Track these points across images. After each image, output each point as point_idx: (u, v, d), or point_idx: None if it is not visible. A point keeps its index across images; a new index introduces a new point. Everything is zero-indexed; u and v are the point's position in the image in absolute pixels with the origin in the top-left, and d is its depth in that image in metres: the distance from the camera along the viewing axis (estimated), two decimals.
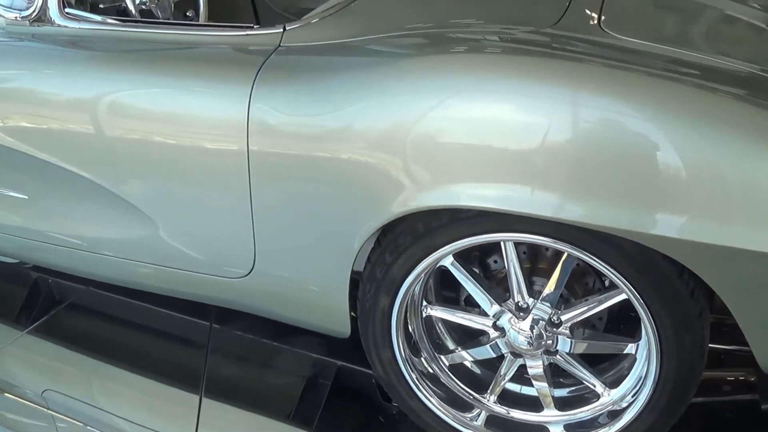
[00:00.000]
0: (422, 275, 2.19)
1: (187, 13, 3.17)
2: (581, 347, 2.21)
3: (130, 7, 2.88)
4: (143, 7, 2.96)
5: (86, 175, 2.50)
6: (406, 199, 2.00)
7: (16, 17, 2.73)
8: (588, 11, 2.25)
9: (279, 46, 2.26)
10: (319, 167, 2.10)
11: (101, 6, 2.90)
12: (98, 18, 2.64)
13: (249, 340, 2.85)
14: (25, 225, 2.79)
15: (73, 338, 2.99)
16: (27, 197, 2.73)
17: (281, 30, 2.29)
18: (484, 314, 2.24)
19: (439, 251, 2.11)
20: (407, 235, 2.11)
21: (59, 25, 2.64)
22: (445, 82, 1.95)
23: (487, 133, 1.89)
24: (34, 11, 2.67)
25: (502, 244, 2.08)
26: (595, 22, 2.19)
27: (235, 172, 2.21)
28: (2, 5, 2.81)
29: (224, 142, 2.22)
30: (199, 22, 2.64)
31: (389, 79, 2.02)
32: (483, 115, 1.90)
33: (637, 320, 2.06)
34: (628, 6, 2.39)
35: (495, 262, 2.33)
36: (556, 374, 2.33)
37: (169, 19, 2.99)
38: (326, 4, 2.43)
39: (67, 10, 2.64)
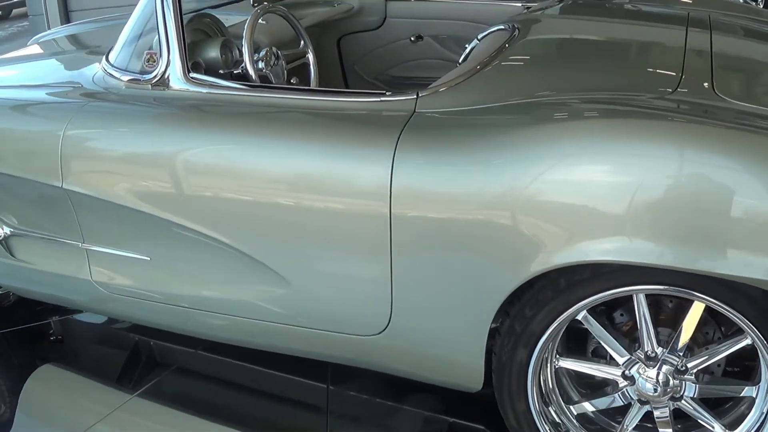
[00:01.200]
0: (558, 328, 2.32)
1: (292, 80, 3.29)
2: (704, 392, 2.34)
3: (251, 71, 2.92)
4: (261, 72, 3.04)
5: (216, 235, 2.59)
6: (547, 257, 2.14)
7: (137, 80, 2.84)
8: (701, 78, 2.45)
9: (414, 112, 2.39)
10: (462, 229, 2.23)
11: (221, 72, 2.99)
12: (226, 83, 2.74)
13: (364, 401, 2.93)
14: (145, 287, 2.87)
15: (185, 402, 3.00)
16: (149, 258, 2.81)
17: (414, 97, 2.43)
18: (614, 364, 2.37)
19: (578, 304, 2.26)
20: (548, 290, 2.25)
21: (183, 90, 2.75)
22: (581, 147, 2.11)
23: (622, 191, 2.05)
24: (156, 75, 2.78)
25: (634, 296, 2.22)
26: (708, 86, 2.38)
27: (376, 235, 2.33)
28: (117, 67, 2.95)
29: (365, 206, 2.34)
30: (331, 89, 2.75)
31: (530, 143, 2.16)
32: (617, 176, 2.07)
33: (753, 365, 2.22)
34: (735, 72, 2.60)
35: (621, 315, 2.47)
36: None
37: (283, 85, 3.09)
38: (453, 72, 2.60)
39: (192, 74, 2.75)
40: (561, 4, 3.49)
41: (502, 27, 3.01)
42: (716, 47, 2.77)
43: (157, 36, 2.78)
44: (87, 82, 3.05)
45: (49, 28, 6.70)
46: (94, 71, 3.09)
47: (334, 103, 2.55)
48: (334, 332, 2.58)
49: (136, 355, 3.30)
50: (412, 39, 4.25)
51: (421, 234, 2.29)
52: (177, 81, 2.75)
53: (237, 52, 3.11)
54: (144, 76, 2.82)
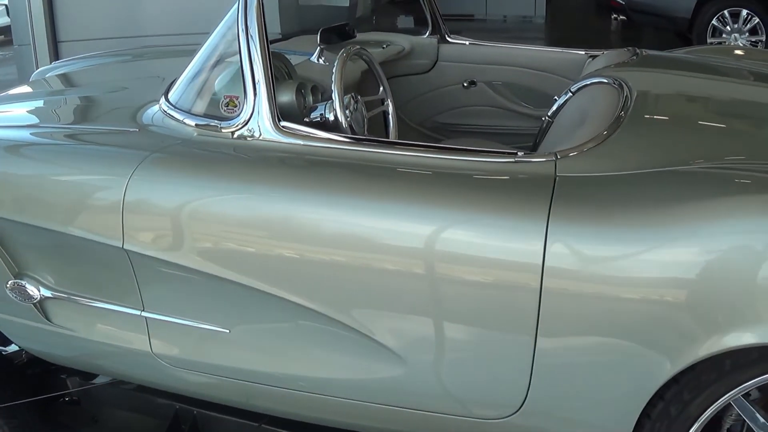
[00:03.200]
0: (715, 411, 2.20)
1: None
2: None
3: (342, 121, 2.73)
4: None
5: (319, 309, 2.39)
6: (717, 341, 2.04)
7: (213, 127, 2.65)
8: None
9: (556, 176, 2.26)
10: (621, 310, 2.11)
11: (306, 120, 2.80)
12: (325, 135, 2.55)
13: None
14: (221, 362, 2.64)
15: None
16: (228, 330, 2.59)
17: (553, 159, 2.31)
18: None
19: (740, 387, 2.14)
20: (712, 372, 2.13)
21: (272, 140, 2.56)
22: (761, 222, 2.02)
23: None
24: (240, 123, 2.59)
25: None
26: None
27: (521, 310, 2.18)
28: (182, 110, 2.77)
29: (512, 279, 2.20)
30: (452, 146, 2.59)
31: (704, 217, 2.06)
32: None
33: None
34: None
35: None
36: None
37: (365, 135, 2.92)
38: (584, 132, 2.47)
39: (283, 123, 2.56)
40: (637, 57, 3.43)
41: (604, 81, 2.91)
42: None
43: (240, 78, 2.61)
44: (146, 126, 2.88)
45: (36, 59, 6.53)
46: (152, 113, 2.92)
47: (459, 163, 2.40)
48: (453, 415, 2.41)
49: (177, 427, 3.03)
50: (465, 84, 4.16)
51: (574, 312, 2.15)
52: (265, 130, 2.56)
53: (311, 97, 2.93)
54: (223, 123, 2.63)
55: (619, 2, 9.91)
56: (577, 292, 2.14)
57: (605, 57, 3.69)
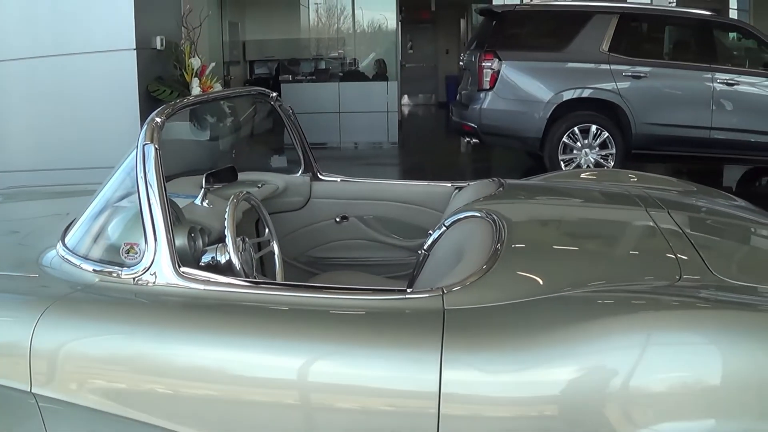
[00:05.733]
0: None
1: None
2: None
3: (237, 264, 2.97)
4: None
5: None
6: None
7: (113, 273, 2.86)
8: (694, 260, 2.87)
9: (444, 309, 2.57)
10: (510, 427, 2.43)
11: (202, 263, 3.03)
12: (225, 279, 2.80)
13: None
14: None
15: None
16: None
17: (440, 293, 2.63)
18: None
19: None
20: None
21: (172, 285, 2.78)
22: (633, 339, 2.40)
23: (680, 378, 2.37)
24: (140, 269, 2.81)
25: None
26: (709, 270, 2.79)
27: None
28: (81, 256, 2.96)
29: (410, 406, 2.48)
30: (346, 286, 2.88)
31: (567, 341, 2.41)
32: (674, 364, 2.38)
33: None
34: (716, 250, 3.03)
35: None
36: None
37: (255, 277, 3.16)
38: (465, 267, 2.79)
39: (183, 269, 2.80)
40: (503, 188, 3.83)
41: (477, 215, 3.26)
42: (682, 226, 3.24)
43: (139, 224, 2.84)
44: (45, 272, 3.05)
45: None
46: (50, 257, 3.11)
47: (353, 302, 2.71)
48: None
49: None
50: (337, 219, 4.50)
51: (468, 428, 2.44)
52: (166, 276, 2.78)
53: (200, 240, 3.19)
54: (124, 269, 2.85)
55: (470, 126, 10.38)
56: (473, 415, 2.44)
57: (471, 188, 4.09)
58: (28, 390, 2.70)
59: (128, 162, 3.08)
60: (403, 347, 2.51)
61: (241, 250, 3.13)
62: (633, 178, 4.38)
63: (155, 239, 2.80)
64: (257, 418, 2.60)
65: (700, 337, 2.42)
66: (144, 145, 2.89)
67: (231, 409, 2.60)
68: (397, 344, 2.52)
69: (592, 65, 10.12)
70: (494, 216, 3.15)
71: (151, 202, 2.82)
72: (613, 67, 10.02)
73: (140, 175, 2.85)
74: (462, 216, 3.36)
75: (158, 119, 2.99)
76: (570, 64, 10.20)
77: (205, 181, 3.60)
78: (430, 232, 3.50)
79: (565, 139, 10.08)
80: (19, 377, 2.70)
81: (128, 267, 2.86)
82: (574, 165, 10.07)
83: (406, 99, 20.94)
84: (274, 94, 4.39)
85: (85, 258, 2.99)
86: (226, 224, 3.06)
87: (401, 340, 2.53)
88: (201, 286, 2.78)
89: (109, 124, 7.42)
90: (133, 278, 2.83)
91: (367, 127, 14.06)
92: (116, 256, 2.93)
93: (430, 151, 14.46)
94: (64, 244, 3.09)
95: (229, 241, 3.02)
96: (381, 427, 2.52)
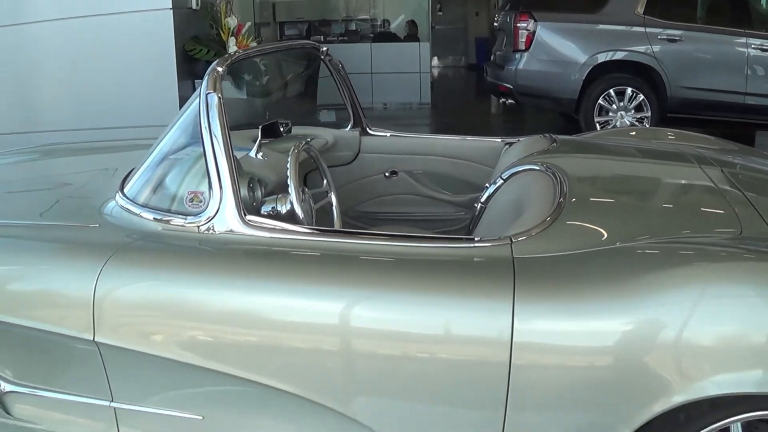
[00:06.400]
0: None
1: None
2: None
3: (299, 213, 2.98)
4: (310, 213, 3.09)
5: (290, 390, 2.63)
6: (671, 397, 2.41)
7: (178, 222, 2.89)
8: (752, 215, 2.90)
9: (514, 257, 2.59)
10: (583, 377, 2.47)
11: (262, 213, 3.03)
12: (291, 227, 2.82)
13: None
14: None
15: None
16: (201, 417, 2.78)
17: (508, 242, 2.65)
18: None
19: None
20: (667, 426, 2.49)
21: (239, 233, 2.81)
22: (704, 290, 2.43)
23: (736, 329, 2.39)
24: (206, 217, 2.84)
25: (732, 426, 2.50)
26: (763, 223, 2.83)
27: (492, 384, 2.49)
28: (143, 205, 3.01)
29: (482, 355, 2.50)
30: (413, 234, 2.88)
31: (655, 288, 2.43)
32: (736, 316, 2.41)
33: None
34: None
35: None
36: None
37: (312, 225, 3.17)
38: (530, 217, 2.83)
39: (248, 217, 2.82)
40: (556, 143, 3.83)
41: (536, 168, 3.29)
42: (736, 182, 3.26)
43: (202, 174, 2.87)
44: (106, 222, 3.08)
45: None
46: (110, 208, 3.15)
47: (422, 249, 2.71)
48: None
49: None
50: (386, 174, 4.51)
51: (540, 384, 2.49)
52: (231, 224, 2.82)
53: (259, 191, 3.21)
54: (189, 218, 2.88)
55: (506, 86, 10.38)
56: (543, 365, 2.48)
57: (522, 144, 4.09)
58: (91, 339, 2.76)
59: (189, 112, 3.11)
60: (475, 295, 2.53)
61: (301, 200, 3.14)
62: (671, 136, 4.37)
63: (220, 188, 2.82)
64: (334, 367, 2.63)
65: (760, 289, 2.43)
66: (207, 94, 2.90)
67: (290, 354, 2.65)
68: (469, 292, 2.54)
69: (627, 28, 10.03)
70: (553, 170, 3.17)
71: (215, 150, 2.84)
72: (648, 30, 9.94)
73: (204, 124, 2.87)
74: (520, 169, 3.39)
75: (219, 68, 3.00)
76: (605, 26, 10.12)
77: (261, 134, 3.60)
78: (487, 185, 3.52)
79: (600, 101, 10.04)
80: (82, 327, 2.76)
81: (192, 216, 2.89)
82: (609, 127, 10.02)
83: (435, 61, 20.84)
84: (325, 48, 4.40)
85: (146, 207, 3.03)
86: (288, 174, 3.07)
87: (473, 288, 2.55)
88: (267, 234, 2.81)
89: (146, 84, 7.43)
90: (198, 226, 2.86)
91: (399, 88, 14.01)
92: (179, 204, 2.98)
93: (462, 111, 14.44)
94: (124, 194, 3.13)
95: (292, 190, 3.03)
96: (452, 376, 2.55)
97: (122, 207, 3.09)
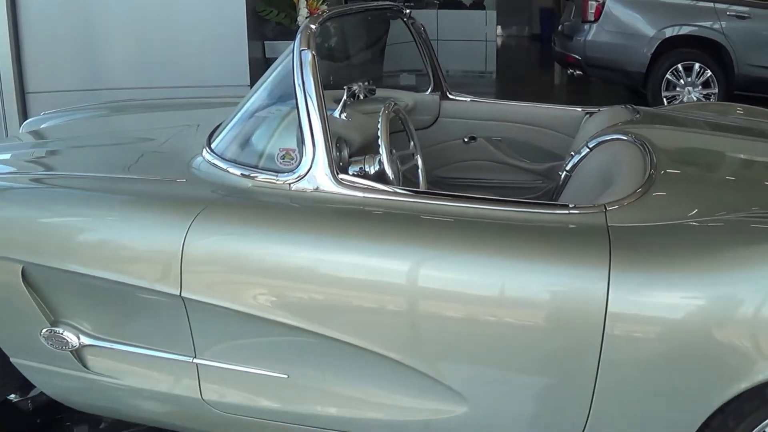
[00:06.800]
0: None
1: None
2: None
3: (390, 174, 2.94)
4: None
5: (380, 351, 2.62)
6: (761, 372, 2.39)
7: (272, 179, 2.88)
8: None
9: (608, 226, 2.57)
10: (675, 347, 2.44)
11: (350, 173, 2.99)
12: (385, 187, 2.81)
13: None
14: (277, 407, 2.83)
15: None
16: (286, 376, 2.77)
17: (602, 210, 2.62)
18: None
19: None
20: (754, 401, 2.47)
21: (331, 192, 2.80)
22: None
23: None
24: (298, 175, 2.83)
25: None
26: None
27: (583, 353, 2.47)
28: (230, 160, 3.00)
29: (575, 322, 2.47)
30: (503, 198, 2.85)
31: (756, 261, 2.42)
32: None
33: None
34: None
35: None
36: None
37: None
38: (622, 186, 2.79)
39: (341, 176, 2.81)
40: (640, 115, 3.78)
41: (623, 138, 3.24)
42: None
43: (293, 131, 2.86)
44: (193, 176, 3.09)
45: (3, 110, 6.67)
46: (197, 163, 3.15)
47: (516, 214, 2.69)
48: None
49: None
50: (465, 140, 4.48)
51: (633, 354, 2.47)
52: (324, 183, 2.81)
53: (346, 151, 3.19)
54: (280, 175, 2.87)
55: (574, 57, 10.31)
56: (636, 335, 2.46)
57: (603, 114, 4.05)
58: (177, 294, 2.75)
59: (281, 69, 3.11)
60: (571, 262, 2.50)
61: (391, 161, 3.11)
62: (740, 111, 4.30)
63: (313, 146, 2.80)
64: (427, 331, 2.63)
65: None
66: (301, 51, 2.88)
67: (383, 316, 2.65)
68: (565, 258, 2.51)
69: (694, 2, 9.94)
70: (642, 141, 3.13)
71: (309, 108, 2.81)
72: (717, 5, 9.82)
73: (297, 81, 2.84)
74: (608, 138, 3.34)
75: (312, 26, 2.99)
76: (674, 0, 10.00)
77: (346, 94, 3.59)
78: (572, 152, 3.48)
79: (668, 75, 9.93)
80: (168, 281, 2.76)
81: (283, 173, 2.88)
82: (677, 102, 9.92)
83: (499, 30, 20.69)
84: (408, 11, 4.37)
85: (233, 162, 3.02)
86: (379, 134, 3.04)
87: (569, 254, 2.52)
88: (360, 194, 2.80)
89: (215, 44, 7.41)
90: (289, 184, 2.85)
91: (465, 56, 13.95)
92: (268, 161, 2.97)
93: (527, 80, 14.44)
94: (211, 150, 3.13)
95: (383, 150, 3.00)
96: (544, 343, 2.54)
97: (209, 162, 3.09)
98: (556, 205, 2.74)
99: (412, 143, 3.63)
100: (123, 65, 7.47)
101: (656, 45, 9.87)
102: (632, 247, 2.49)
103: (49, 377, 3.20)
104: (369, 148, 3.19)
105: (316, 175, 2.82)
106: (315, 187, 2.82)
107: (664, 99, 9.97)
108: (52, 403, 3.37)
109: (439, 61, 4.53)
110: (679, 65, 9.96)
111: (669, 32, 9.86)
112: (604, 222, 2.58)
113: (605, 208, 2.62)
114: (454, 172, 4.52)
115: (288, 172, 2.86)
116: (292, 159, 2.87)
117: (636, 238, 2.53)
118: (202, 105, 4.58)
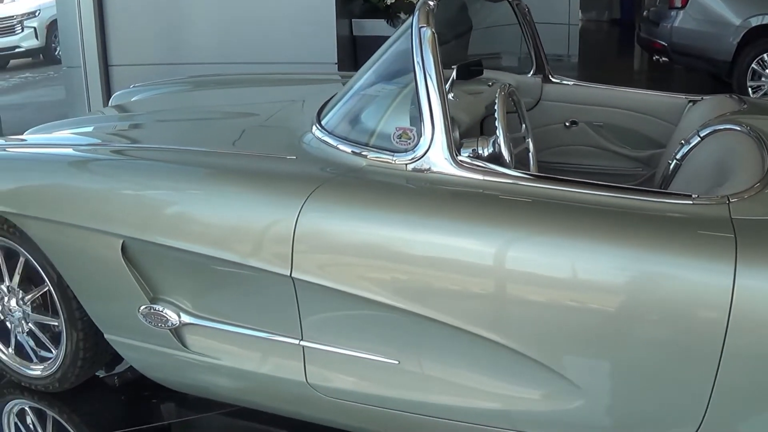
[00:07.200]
0: None
1: None
2: None
3: (507, 157, 2.85)
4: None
5: (497, 339, 2.55)
6: None
7: (389, 158, 2.80)
8: None
9: (732, 218, 2.46)
10: None
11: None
12: (507, 171, 2.72)
13: None
14: (386, 393, 2.76)
15: None
16: (397, 362, 2.70)
17: (726, 202, 2.51)
18: None
19: None
20: None
21: (450, 174, 2.71)
22: None
23: None
24: (415, 156, 2.75)
25: None
26: None
27: (706, 346, 2.38)
28: (342, 138, 2.94)
29: (699, 316, 2.39)
30: (626, 185, 2.75)
31: None
32: None
33: None
34: None
35: None
36: None
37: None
38: (743, 177, 2.67)
39: (461, 158, 2.73)
40: (746, 105, 3.65)
41: (737, 128, 3.12)
42: None
43: (409, 110, 2.79)
44: (304, 153, 3.03)
45: (86, 83, 6.70)
46: (307, 139, 3.08)
47: (636, 202, 2.59)
48: None
49: None
50: (566, 124, 4.39)
51: (755, 348, 2.37)
52: (442, 164, 2.73)
53: (457, 132, 3.10)
54: (397, 155, 2.79)
55: (660, 43, 10.17)
56: (763, 330, 2.34)
57: (708, 103, 3.92)
58: (288, 274, 2.69)
59: (396, 46, 3.03)
60: (697, 253, 2.41)
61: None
62: None
63: (432, 126, 2.72)
64: (545, 319, 2.54)
65: None
66: (420, 28, 2.78)
67: (500, 304, 2.57)
68: (690, 249, 2.42)
69: None
70: (758, 132, 3.01)
71: (428, 86, 2.73)
72: None
73: (417, 59, 2.75)
74: (721, 128, 3.20)
75: (431, 2, 2.88)
76: None
77: (456, 74, 3.51)
78: (682, 141, 3.36)
79: (754, 65, 9.72)
80: (279, 261, 2.70)
81: (400, 152, 2.80)
82: (761, 93, 9.73)
83: (579, 14, 20.52)
84: None
85: (344, 140, 2.95)
86: (497, 116, 2.96)
87: (694, 245, 2.43)
88: (480, 177, 2.71)
89: (304, 22, 7.35)
90: (406, 164, 2.78)
91: (546, 39, 13.73)
92: (380, 139, 2.89)
93: (610, 65, 14.28)
94: (322, 126, 3.06)
95: (500, 132, 2.90)
96: (666, 336, 2.45)
97: (320, 139, 3.02)
98: (679, 194, 2.62)
99: (523, 126, 3.53)
100: (207, 39, 7.47)
101: (742, 34, 9.63)
102: (758, 240, 2.40)
103: (145, 355, 3.19)
104: (475, 129, 3.09)
105: (434, 156, 2.73)
106: (432, 168, 2.74)
107: (749, 89, 9.75)
108: (140, 379, 3.37)
109: (541, 42, 4.45)
110: (765, 55, 9.70)
111: (755, 21, 9.62)
112: (727, 214, 2.47)
113: (728, 200, 2.52)
114: (553, 156, 4.42)
115: (404, 152, 2.78)
116: (410, 139, 2.78)
117: (760, 232, 2.44)
118: (298, 81, 4.53)
